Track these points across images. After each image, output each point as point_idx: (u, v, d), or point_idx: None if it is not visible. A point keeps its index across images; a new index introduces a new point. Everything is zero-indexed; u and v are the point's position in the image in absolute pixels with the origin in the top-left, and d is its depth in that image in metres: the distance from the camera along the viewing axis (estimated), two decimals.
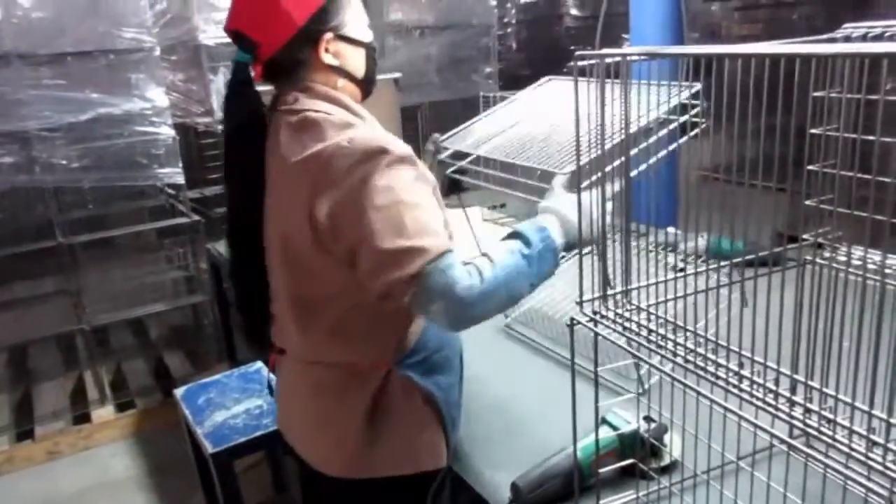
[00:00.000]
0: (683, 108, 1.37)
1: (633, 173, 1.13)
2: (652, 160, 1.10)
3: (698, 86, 1.40)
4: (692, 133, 1.39)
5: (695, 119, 1.40)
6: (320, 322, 1.26)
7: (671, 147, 1.11)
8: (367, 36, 1.30)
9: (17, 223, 3.40)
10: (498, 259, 1.15)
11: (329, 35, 1.23)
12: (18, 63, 3.03)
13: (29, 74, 3.05)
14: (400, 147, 1.15)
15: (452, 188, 1.74)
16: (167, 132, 3.32)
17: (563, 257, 1.29)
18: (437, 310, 1.10)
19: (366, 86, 1.33)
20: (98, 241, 3.55)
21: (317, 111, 1.20)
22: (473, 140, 1.71)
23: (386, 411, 1.27)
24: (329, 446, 1.31)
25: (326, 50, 1.23)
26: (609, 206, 1.31)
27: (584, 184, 1.39)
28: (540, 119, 1.72)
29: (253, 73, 1.24)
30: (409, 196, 1.11)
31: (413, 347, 1.28)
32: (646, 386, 1.47)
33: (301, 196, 1.15)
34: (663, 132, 1.36)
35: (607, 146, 1.42)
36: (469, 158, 1.68)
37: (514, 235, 1.23)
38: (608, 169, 1.11)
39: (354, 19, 1.27)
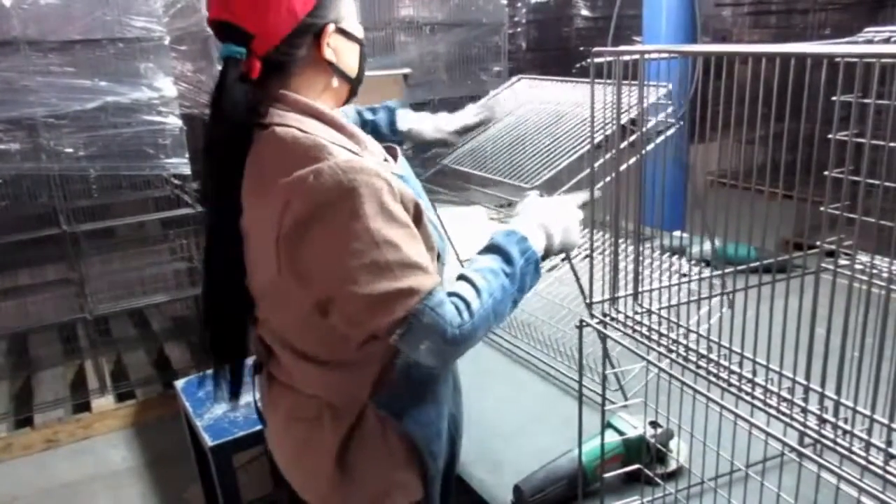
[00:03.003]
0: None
1: (603, 182, 1.11)
2: (622, 167, 1.07)
3: (669, 85, 1.38)
4: (662, 136, 1.36)
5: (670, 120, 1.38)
6: (294, 351, 1.17)
7: (646, 149, 1.08)
8: (360, 31, 1.19)
9: (21, 210, 3.39)
10: (483, 285, 1.09)
11: (331, 27, 1.11)
12: (26, 49, 3.02)
13: (37, 61, 3.04)
14: (374, 175, 1.02)
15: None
16: (174, 122, 3.31)
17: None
18: (425, 349, 1.04)
19: (355, 86, 1.22)
20: (102, 231, 3.54)
21: (287, 126, 1.07)
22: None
23: (359, 448, 1.18)
24: (304, 475, 1.25)
25: (327, 44, 1.11)
26: (580, 213, 1.28)
27: (563, 189, 1.37)
28: (512, 122, 1.70)
29: (247, 70, 1.06)
30: (389, 232, 1.01)
31: (394, 382, 1.18)
32: (648, 391, 1.45)
33: (266, 235, 1.04)
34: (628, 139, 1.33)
35: (584, 150, 1.40)
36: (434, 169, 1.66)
37: (494, 249, 1.16)
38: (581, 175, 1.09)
39: (350, 13, 1.15)
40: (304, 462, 1.23)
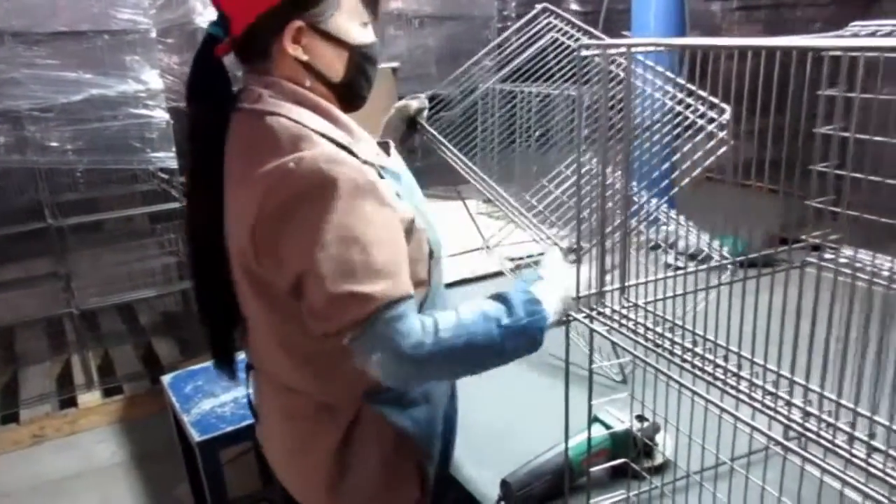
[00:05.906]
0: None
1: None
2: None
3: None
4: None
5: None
6: (285, 348, 1.15)
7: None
8: (356, 37, 1.13)
9: (7, 204, 3.36)
10: (466, 319, 1.03)
11: (299, 23, 1.06)
12: (11, 41, 2.98)
13: (22, 53, 3.01)
14: (357, 171, 1.01)
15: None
16: (161, 115, 3.28)
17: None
18: (376, 361, 0.99)
19: (343, 92, 1.15)
20: (89, 225, 3.52)
21: (278, 115, 1.06)
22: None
23: (357, 447, 1.17)
24: (300, 475, 1.23)
25: (296, 41, 1.07)
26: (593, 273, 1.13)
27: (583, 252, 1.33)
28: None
29: (219, 51, 1.09)
30: (361, 231, 0.99)
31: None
32: (635, 384, 1.45)
33: (245, 218, 1.03)
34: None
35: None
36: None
37: (501, 299, 1.10)
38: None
39: (344, 15, 1.10)
40: (300, 462, 1.21)
